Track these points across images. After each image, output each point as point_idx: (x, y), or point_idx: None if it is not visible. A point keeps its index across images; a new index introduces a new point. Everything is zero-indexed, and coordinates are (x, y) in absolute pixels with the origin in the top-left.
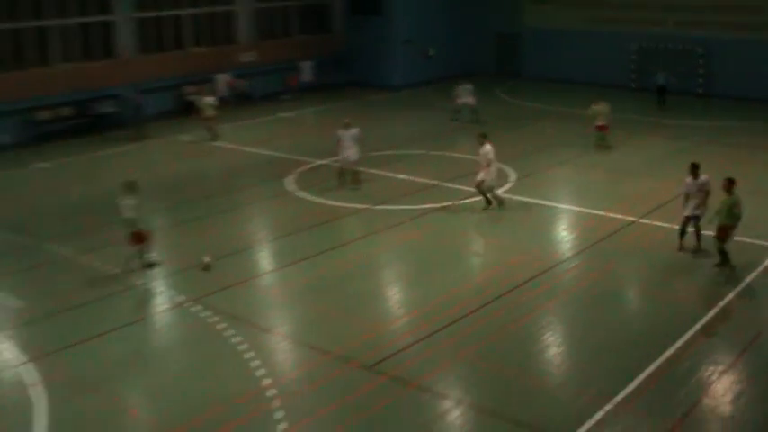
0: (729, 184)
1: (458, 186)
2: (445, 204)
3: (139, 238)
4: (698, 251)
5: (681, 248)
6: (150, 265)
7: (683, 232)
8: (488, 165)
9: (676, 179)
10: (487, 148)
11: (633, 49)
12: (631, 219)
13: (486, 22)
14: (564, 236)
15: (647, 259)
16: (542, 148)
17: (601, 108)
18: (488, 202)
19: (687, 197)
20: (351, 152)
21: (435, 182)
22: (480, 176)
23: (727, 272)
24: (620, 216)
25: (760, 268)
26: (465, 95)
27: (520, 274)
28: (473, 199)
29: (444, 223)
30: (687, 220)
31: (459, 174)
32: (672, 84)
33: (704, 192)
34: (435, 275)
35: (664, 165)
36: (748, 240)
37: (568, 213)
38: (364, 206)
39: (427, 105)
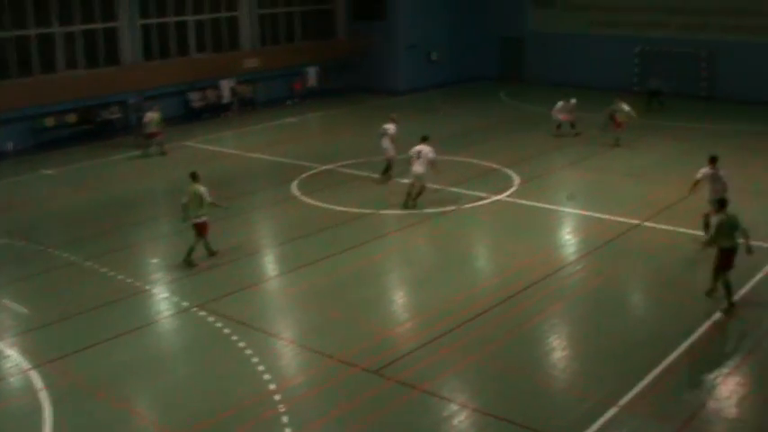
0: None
1: (462, 191)
2: (450, 209)
3: (203, 228)
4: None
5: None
6: (189, 262)
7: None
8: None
9: (682, 181)
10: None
11: (636, 52)
12: (636, 222)
13: (490, 26)
14: (568, 239)
15: (653, 263)
16: (546, 151)
17: (624, 107)
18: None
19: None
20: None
21: (439, 186)
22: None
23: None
24: (625, 219)
25: (765, 270)
26: (565, 111)
27: (525, 278)
28: (477, 203)
29: (449, 228)
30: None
31: (464, 178)
32: (667, 87)
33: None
34: (440, 280)
35: (669, 167)
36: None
37: (573, 217)
38: (370, 211)
39: (432, 110)
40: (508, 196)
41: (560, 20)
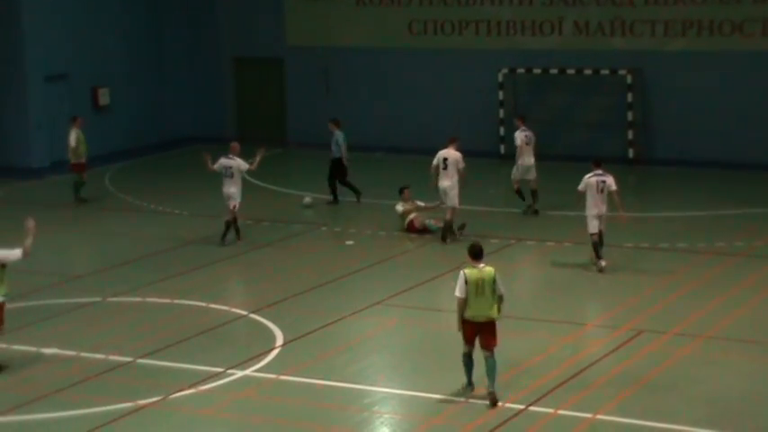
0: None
1: (174, 364)
2: (146, 402)
3: None
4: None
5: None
6: None
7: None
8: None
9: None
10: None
11: (501, 79)
12: (519, 407)
13: (213, 37)
14: None
15: None
16: (333, 280)
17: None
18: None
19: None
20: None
21: (127, 358)
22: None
23: None
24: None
25: None
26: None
27: None
28: (205, 386)
29: None
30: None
31: (179, 336)
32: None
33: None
34: None
35: (566, 301)
36: None
37: (390, 400)
38: None
39: (103, 206)
40: (263, 370)
41: (352, 22)
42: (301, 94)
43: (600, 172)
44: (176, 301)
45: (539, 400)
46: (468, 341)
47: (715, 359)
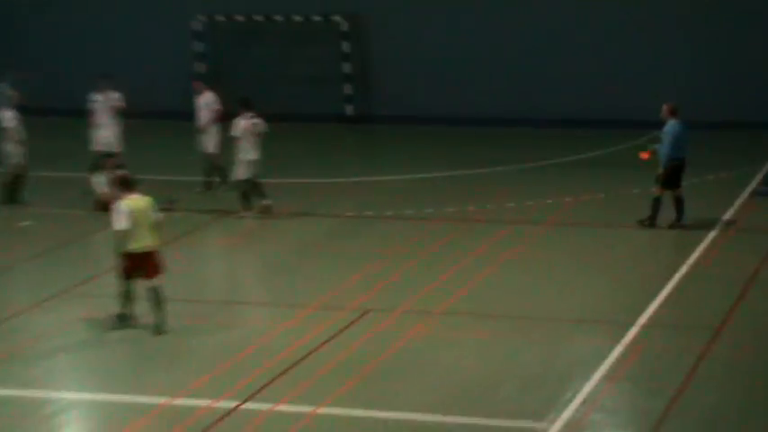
0: None
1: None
2: None
3: None
4: None
5: None
6: None
7: None
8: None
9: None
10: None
11: (195, 30)
12: (231, 405)
13: None
14: None
15: None
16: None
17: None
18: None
19: None
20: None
21: None
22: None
23: None
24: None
25: None
26: None
27: None
28: None
29: None
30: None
31: None
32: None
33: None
34: None
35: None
36: None
37: (84, 407)
38: None
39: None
40: None
41: None
42: None
43: (252, 114)
44: None
45: (253, 395)
46: (129, 275)
47: (447, 337)
